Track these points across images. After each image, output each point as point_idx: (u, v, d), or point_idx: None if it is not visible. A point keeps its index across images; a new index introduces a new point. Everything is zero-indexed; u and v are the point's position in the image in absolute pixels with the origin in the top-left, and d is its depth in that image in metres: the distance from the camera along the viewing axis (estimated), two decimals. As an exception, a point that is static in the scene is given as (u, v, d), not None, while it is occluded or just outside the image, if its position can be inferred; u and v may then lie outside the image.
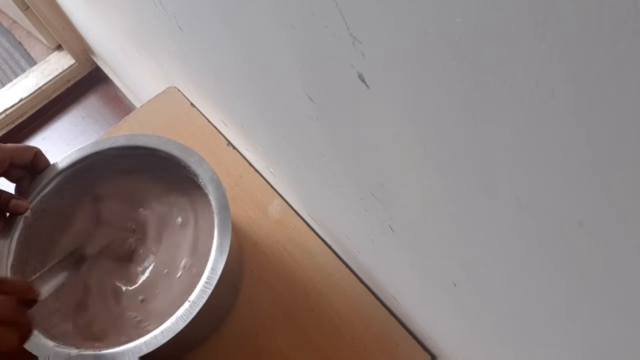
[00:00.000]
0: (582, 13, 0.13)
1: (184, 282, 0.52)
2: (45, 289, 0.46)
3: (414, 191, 0.29)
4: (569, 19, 0.13)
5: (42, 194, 0.53)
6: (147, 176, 0.56)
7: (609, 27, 0.12)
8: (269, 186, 0.65)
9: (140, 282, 0.53)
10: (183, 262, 0.53)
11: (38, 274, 0.47)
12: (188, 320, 0.44)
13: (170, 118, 0.72)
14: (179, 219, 0.55)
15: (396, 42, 0.20)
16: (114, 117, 1.46)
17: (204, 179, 0.50)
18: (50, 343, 0.44)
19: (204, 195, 0.52)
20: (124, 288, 0.53)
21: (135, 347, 0.43)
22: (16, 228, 0.50)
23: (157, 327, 0.44)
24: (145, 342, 0.44)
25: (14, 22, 1.65)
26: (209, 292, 0.45)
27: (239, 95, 0.49)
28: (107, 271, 0.54)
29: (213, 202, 0.49)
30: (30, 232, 0.51)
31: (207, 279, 0.45)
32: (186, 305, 0.44)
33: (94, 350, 0.44)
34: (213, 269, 0.46)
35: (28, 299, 0.40)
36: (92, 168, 0.55)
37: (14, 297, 0.39)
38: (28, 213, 0.51)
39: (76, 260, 0.52)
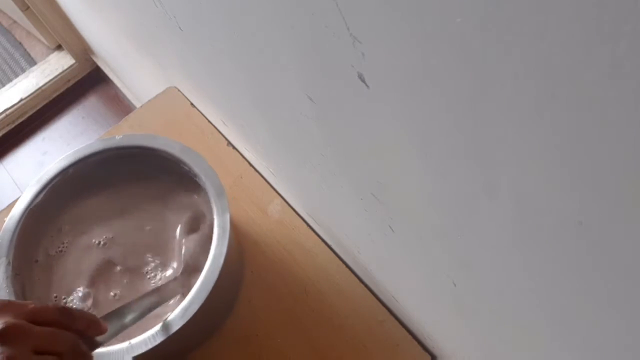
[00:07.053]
0: (582, 13, 0.13)
1: (184, 282, 0.52)
2: (112, 330, 0.39)
3: (414, 191, 0.29)
4: (569, 18, 0.13)
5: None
6: (146, 175, 0.56)
7: (609, 27, 0.12)
8: (269, 186, 0.65)
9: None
10: (183, 262, 0.53)
11: (111, 311, 0.42)
12: (185, 321, 0.44)
13: (170, 118, 0.72)
14: (179, 218, 0.55)
15: (396, 42, 0.20)
16: (114, 117, 1.46)
17: (203, 178, 0.50)
18: None
19: (204, 195, 0.52)
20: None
21: (129, 347, 0.43)
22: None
23: (154, 326, 0.44)
24: (140, 341, 0.43)
25: (14, 22, 1.65)
26: (208, 292, 0.45)
27: (239, 95, 0.49)
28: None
29: (212, 202, 0.49)
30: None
31: (206, 278, 0.45)
32: (184, 305, 0.44)
33: None
34: (212, 269, 0.46)
35: (93, 336, 0.37)
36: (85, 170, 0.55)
37: (76, 334, 0.35)
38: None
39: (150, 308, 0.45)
